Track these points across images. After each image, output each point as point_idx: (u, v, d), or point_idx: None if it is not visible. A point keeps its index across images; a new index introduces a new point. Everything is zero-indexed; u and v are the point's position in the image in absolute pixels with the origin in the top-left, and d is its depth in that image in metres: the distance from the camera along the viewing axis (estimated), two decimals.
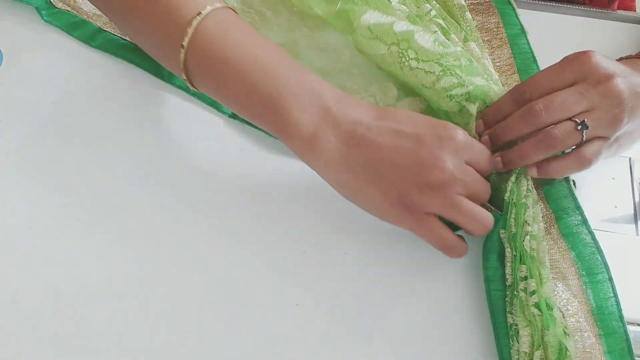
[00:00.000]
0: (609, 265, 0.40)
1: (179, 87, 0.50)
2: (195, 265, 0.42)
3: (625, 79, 0.40)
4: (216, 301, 0.41)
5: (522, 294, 0.38)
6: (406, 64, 0.44)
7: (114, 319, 0.40)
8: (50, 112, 0.50)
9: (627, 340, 0.37)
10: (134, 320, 0.40)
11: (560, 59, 0.42)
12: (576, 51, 0.41)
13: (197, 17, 0.40)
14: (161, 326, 0.40)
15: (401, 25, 0.44)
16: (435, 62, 0.43)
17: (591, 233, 0.41)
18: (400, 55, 0.44)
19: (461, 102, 0.44)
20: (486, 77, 0.46)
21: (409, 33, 0.44)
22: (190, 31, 0.40)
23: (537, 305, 0.37)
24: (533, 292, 0.37)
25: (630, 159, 0.47)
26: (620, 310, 0.38)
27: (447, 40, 0.45)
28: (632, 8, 0.64)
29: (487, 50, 0.51)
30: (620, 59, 0.45)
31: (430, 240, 0.39)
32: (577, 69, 0.40)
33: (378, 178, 0.38)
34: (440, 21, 0.48)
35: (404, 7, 0.48)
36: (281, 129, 0.39)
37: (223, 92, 0.41)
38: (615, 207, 0.45)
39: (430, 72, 0.43)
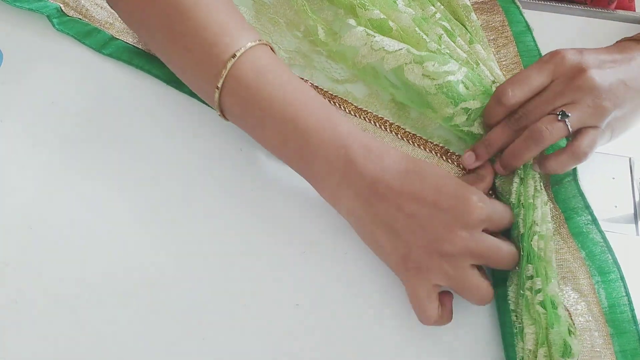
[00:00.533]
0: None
1: (186, 92, 0.50)
2: (195, 265, 0.42)
3: (599, 70, 0.40)
4: (216, 301, 0.41)
5: (527, 293, 0.38)
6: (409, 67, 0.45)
7: (114, 318, 0.40)
8: (50, 112, 0.50)
9: (639, 339, 0.38)
10: (134, 320, 0.40)
11: None
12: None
13: (232, 59, 0.40)
14: (161, 326, 0.40)
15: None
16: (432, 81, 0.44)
17: (601, 232, 0.41)
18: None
19: (463, 129, 0.45)
20: (492, 80, 0.46)
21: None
22: (224, 73, 0.41)
23: (542, 304, 0.37)
24: (538, 291, 0.38)
25: (630, 159, 0.47)
26: (632, 310, 0.38)
27: (447, 62, 0.45)
28: (631, 9, 0.64)
29: (493, 50, 0.50)
30: (617, 42, 0.45)
31: (415, 310, 0.39)
32: (553, 68, 0.41)
33: (392, 234, 0.38)
34: (446, 24, 0.48)
35: (410, 10, 0.48)
36: (309, 177, 0.41)
37: (256, 134, 0.43)
38: (615, 207, 0.45)
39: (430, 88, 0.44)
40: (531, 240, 0.39)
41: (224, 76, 0.41)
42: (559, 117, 0.40)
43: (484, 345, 0.39)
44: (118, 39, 0.53)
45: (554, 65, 0.41)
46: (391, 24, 0.47)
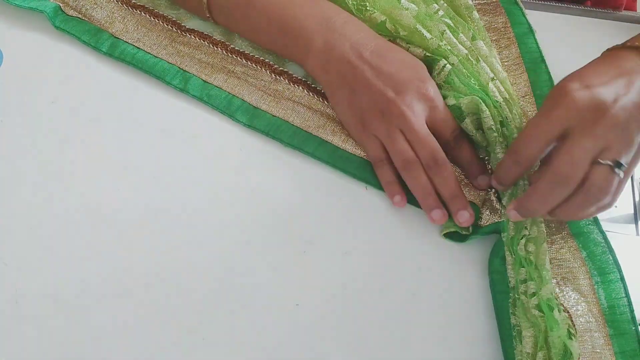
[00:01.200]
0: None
1: (189, 93, 0.50)
2: (195, 265, 0.42)
3: (618, 104, 0.37)
4: (216, 301, 0.41)
5: (522, 297, 0.38)
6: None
7: (114, 319, 0.40)
8: (50, 111, 0.50)
9: (639, 340, 0.38)
10: (134, 320, 0.40)
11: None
12: (559, 81, 0.39)
13: None
14: (161, 326, 0.40)
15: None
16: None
17: (602, 232, 0.41)
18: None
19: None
20: (492, 77, 0.46)
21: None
22: None
23: (538, 307, 0.37)
24: (533, 294, 0.38)
25: None
26: (632, 311, 0.38)
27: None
28: (633, 9, 0.64)
29: (496, 50, 0.50)
30: (607, 53, 0.42)
31: (369, 157, 0.45)
32: (565, 116, 0.37)
33: (351, 93, 0.44)
34: (448, 21, 0.48)
35: (413, 6, 0.48)
36: (295, 50, 0.46)
37: (243, 27, 0.48)
38: (615, 207, 0.45)
39: None
40: (518, 244, 0.40)
41: None
42: (615, 168, 0.36)
43: (484, 347, 0.39)
44: (119, 38, 0.53)
45: (565, 111, 0.37)
46: (388, 25, 0.47)
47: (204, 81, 0.50)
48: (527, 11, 0.53)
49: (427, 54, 0.46)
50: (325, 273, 0.42)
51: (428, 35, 0.46)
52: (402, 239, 0.43)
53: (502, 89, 0.46)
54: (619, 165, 0.37)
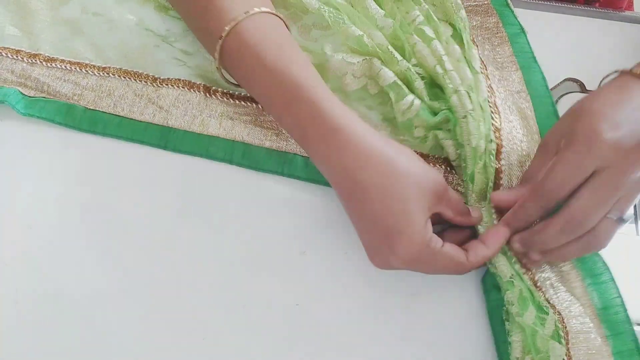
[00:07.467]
0: (609, 265, 0.40)
1: (181, 151, 0.47)
2: (195, 265, 0.42)
3: None
4: (217, 301, 0.41)
5: (507, 306, 0.39)
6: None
7: (114, 319, 0.40)
8: None
9: (635, 340, 0.38)
10: (134, 320, 0.40)
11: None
12: (582, 125, 0.37)
13: (224, 34, 0.42)
14: (161, 326, 0.40)
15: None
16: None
17: None
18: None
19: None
20: (457, 88, 0.44)
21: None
22: (218, 47, 0.43)
23: (520, 314, 0.38)
24: (512, 303, 0.39)
25: None
26: (626, 311, 0.38)
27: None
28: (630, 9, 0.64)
29: (488, 47, 0.50)
30: (617, 80, 0.40)
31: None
32: (599, 157, 0.36)
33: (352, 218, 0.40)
34: (426, 28, 0.47)
35: (389, 21, 0.47)
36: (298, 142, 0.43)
37: (256, 98, 0.45)
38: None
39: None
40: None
41: (217, 50, 0.43)
42: (617, 222, 0.37)
43: (483, 347, 0.39)
44: (95, 109, 0.48)
45: (600, 154, 0.36)
46: (366, 39, 0.46)
47: (198, 133, 0.47)
48: (524, 10, 0.53)
49: (397, 80, 0.45)
50: (325, 273, 0.42)
51: (399, 57, 0.46)
52: None
53: (466, 101, 0.43)
54: (622, 221, 0.37)
